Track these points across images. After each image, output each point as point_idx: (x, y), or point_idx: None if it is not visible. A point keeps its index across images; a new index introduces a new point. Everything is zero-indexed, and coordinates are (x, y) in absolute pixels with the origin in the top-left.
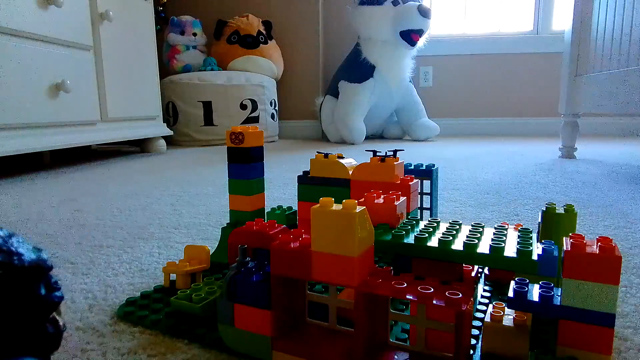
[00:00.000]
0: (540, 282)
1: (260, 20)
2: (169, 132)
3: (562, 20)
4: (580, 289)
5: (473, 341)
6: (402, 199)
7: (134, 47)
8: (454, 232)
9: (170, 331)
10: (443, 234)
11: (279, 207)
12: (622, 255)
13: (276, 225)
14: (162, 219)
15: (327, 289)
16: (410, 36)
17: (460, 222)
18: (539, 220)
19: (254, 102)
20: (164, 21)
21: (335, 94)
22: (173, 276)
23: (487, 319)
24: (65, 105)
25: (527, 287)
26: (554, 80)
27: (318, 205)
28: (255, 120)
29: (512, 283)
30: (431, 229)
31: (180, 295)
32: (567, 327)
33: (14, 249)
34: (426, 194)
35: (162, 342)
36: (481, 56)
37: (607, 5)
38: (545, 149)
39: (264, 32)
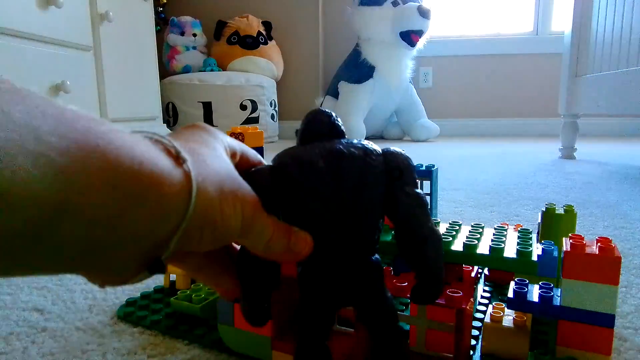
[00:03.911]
0: (540, 283)
1: (260, 20)
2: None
3: (562, 21)
4: (580, 289)
5: (473, 341)
6: None
7: (134, 48)
8: (454, 233)
9: (170, 332)
10: (443, 234)
11: None
12: (622, 255)
13: None
14: None
15: None
16: (410, 37)
17: (460, 222)
18: (539, 220)
19: (253, 103)
20: (164, 22)
21: (335, 94)
22: (173, 277)
23: (487, 319)
24: None
25: (527, 288)
26: (553, 80)
27: None
28: (255, 120)
29: (512, 283)
30: None
31: (180, 295)
32: (567, 328)
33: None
34: (426, 194)
35: (162, 343)
36: (481, 57)
37: (607, 6)
38: (545, 150)
39: (263, 32)
